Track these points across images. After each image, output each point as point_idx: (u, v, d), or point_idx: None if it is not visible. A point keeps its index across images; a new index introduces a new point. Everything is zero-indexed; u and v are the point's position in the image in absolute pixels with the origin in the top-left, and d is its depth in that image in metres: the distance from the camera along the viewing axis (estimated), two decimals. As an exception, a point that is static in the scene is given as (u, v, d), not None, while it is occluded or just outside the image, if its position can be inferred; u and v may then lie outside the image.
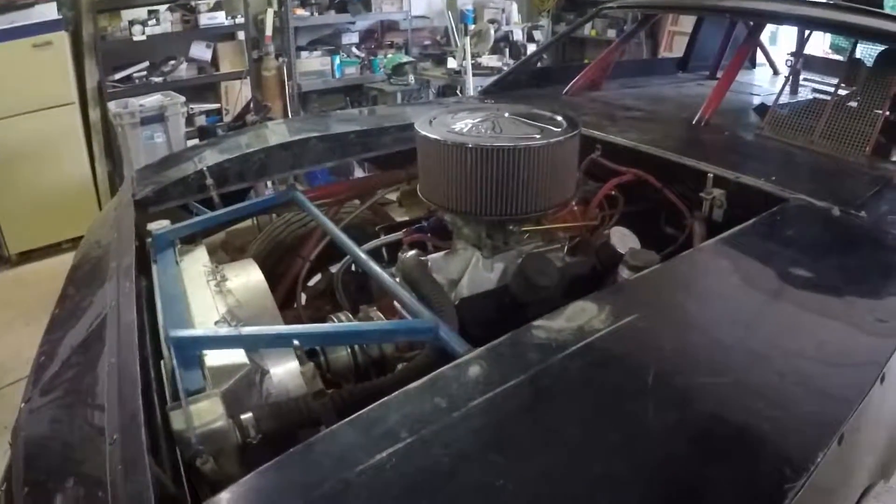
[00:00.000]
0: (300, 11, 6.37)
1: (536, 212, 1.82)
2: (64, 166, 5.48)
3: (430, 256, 2.05)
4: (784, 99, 2.79)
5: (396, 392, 1.06)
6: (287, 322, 1.71)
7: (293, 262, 2.61)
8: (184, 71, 6.12)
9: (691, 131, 2.53)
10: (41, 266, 5.31)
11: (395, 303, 1.72)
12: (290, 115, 6.67)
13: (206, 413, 1.12)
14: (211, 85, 6.43)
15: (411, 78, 6.41)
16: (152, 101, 5.15)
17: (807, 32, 3.25)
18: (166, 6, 5.83)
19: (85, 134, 5.63)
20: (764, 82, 3.75)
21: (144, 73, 5.97)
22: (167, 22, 5.81)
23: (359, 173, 4.50)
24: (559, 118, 1.92)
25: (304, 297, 2.55)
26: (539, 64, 4.92)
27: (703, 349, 1.23)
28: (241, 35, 6.29)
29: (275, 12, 6.37)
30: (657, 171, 2.16)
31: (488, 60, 6.32)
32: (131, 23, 5.70)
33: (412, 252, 1.90)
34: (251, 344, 1.35)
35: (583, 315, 1.27)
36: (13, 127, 5.22)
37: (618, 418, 1.01)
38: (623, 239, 1.85)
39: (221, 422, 1.12)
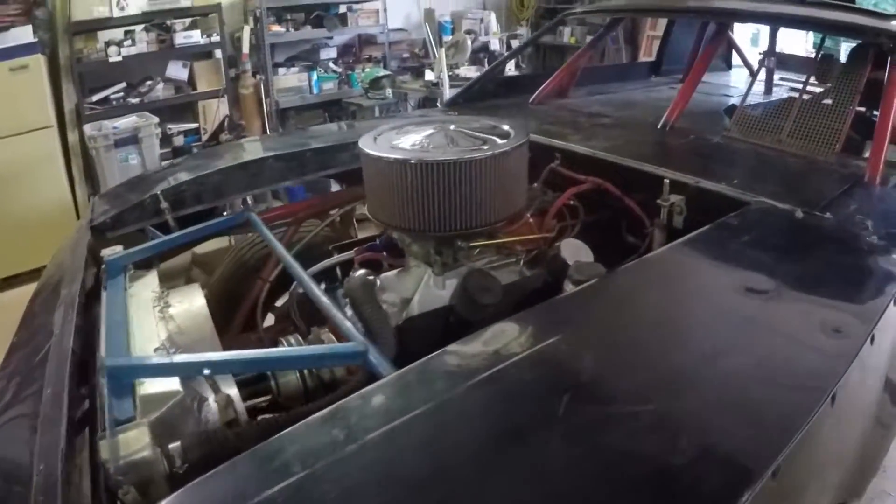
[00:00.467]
0: (276, 28, 6.34)
1: (484, 226, 1.76)
2: (44, 190, 5.42)
3: (382, 275, 2.00)
4: (757, 99, 2.73)
5: (299, 423, 1.01)
6: (248, 345, 1.66)
7: (254, 283, 2.54)
8: (160, 91, 6.07)
9: (656, 136, 2.47)
10: (24, 291, 5.22)
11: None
12: (268, 133, 6.62)
13: (132, 442, 1.11)
14: (188, 104, 6.38)
15: (389, 92, 6.38)
16: (126, 122, 5.10)
17: (780, 30, 3.19)
18: (142, 26, 5.80)
19: (64, 157, 5.58)
20: (740, 84, 3.69)
21: (122, 94, 5.92)
22: (143, 42, 5.78)
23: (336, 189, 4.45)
24: (507, 128, 1.86)
25: (271, 317, 2.49)
26: (517, 73, 4.88)
27: (628, 372, 1.14)
28: (217, 53, 6.25)
29: (251, 29, 6.32)
30: (616, 178, 2.10)
31: (466, 71, 6.27)
32: (107, 44, 5.67)
33: (360, 272, 1.84)
34: (183, 371, 1.31)
35: (502, 338, 1.20)
36: (-11, 152, 5.18)
37: (520, 452, 0.94)
38: (575, 251, 1.78)
39: (147, 451, 1.10)
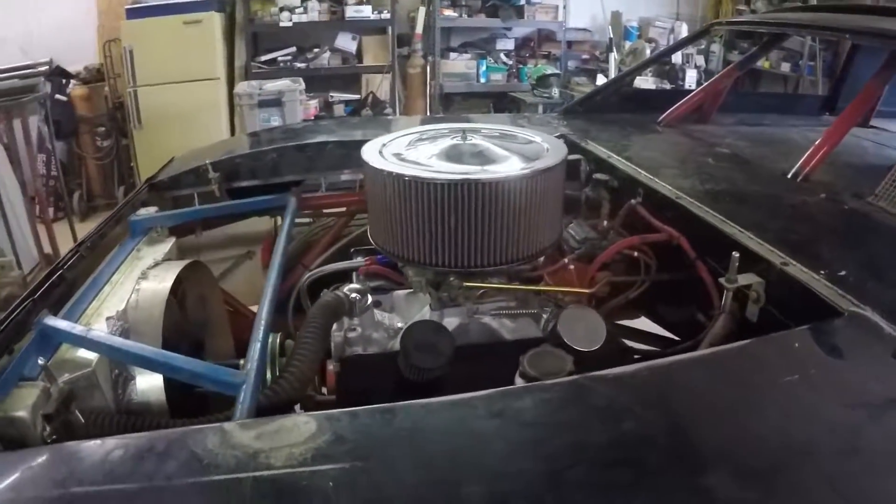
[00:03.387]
0: (448, 12, 6.20)
1: (487, 265, 1.41)
2: (204, 137, 5.57)
3: (394, 293, 1.74)
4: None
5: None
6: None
7: (296, 267, 2.35)
8: (327, 59, 6.15)
9: (776, 187, 1.91)
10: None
11: None
12: (429, 114, 6.52)
13: (16, 400, 1.15)
14: (354, 76, 6.42)
15: (555, 91, 6.00)
16: (273, 85, 5.20)
17: None
18: (317, -4, 5.90)
19: (229, 109, 5.80)
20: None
21: (289, 57, 6.08)
22: (315, 11, 5.88)
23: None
24: (544, 146, 1.48)
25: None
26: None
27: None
28: (388, 30, 6.22)
29: (426, 11, 6.22)
30: (697, 234, 1.62)
31: (642, 82, 5.74)
32: (281, 9, 5.82)
33: (346, 288, 1.55)
34: (94, 348, 1.31)
35: (285, 434, 0.88)
36: (161, 94, 5.54)
37: None
38: (582, 324, 1.34)
39: (24, 413, 1.12)
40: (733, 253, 1.37)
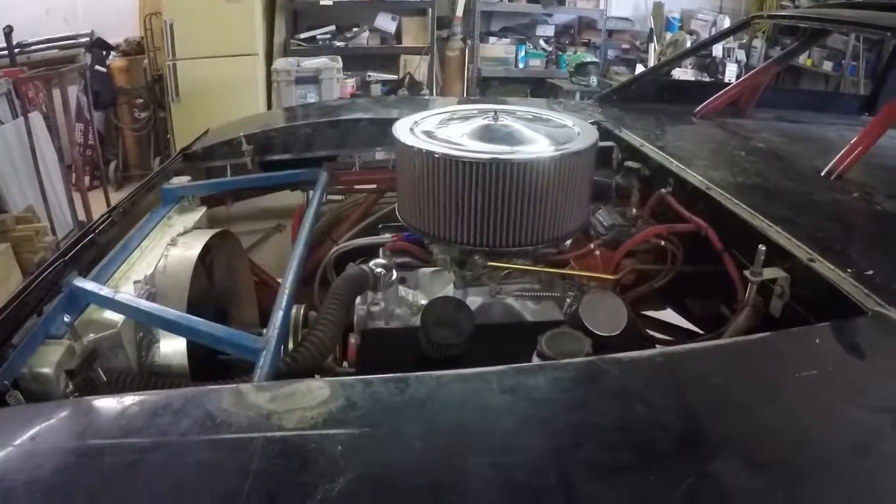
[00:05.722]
0: (489, -4, 6.14)
1: (512, 246, 1.43)
2: (241, 111, 5.67)
3: (419, 271, 1.76)
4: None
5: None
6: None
7: (325, 241, 2.38)
8: (366, 39, 6.15)
9: (810, 184, 1.88)
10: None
11: None
12: (465, 97, 6.50)
13: (42, 357, 1.19)
14: (392, 56, 6.41)
15: (593, 80, 5.94)
16: (310, 63, 5.21)
17: None
18: (359, -23, 5.89)
19: (266, 85, 5.84)
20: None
21: (328, 36, 6.08)
22: (355, -10, 5.86)
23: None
24: (576, 129, 1.47)
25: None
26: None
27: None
28: (428, 12, 6.17)
29: (466, -6, 6.20)
30: (725, 226, 1.61)
31: (681, 73, 5.65)
32: (323, -12, 5.81)
33: (372, 263, 1.57)
34: (120, 310, 1.35)
35: (298, 398, 0.89)
36: (199, 68, 5.56)
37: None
38: (604, 309, 1.33)
39: (48, 369, 1.16)
40: (760, 246, 1.35)
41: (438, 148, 1.43)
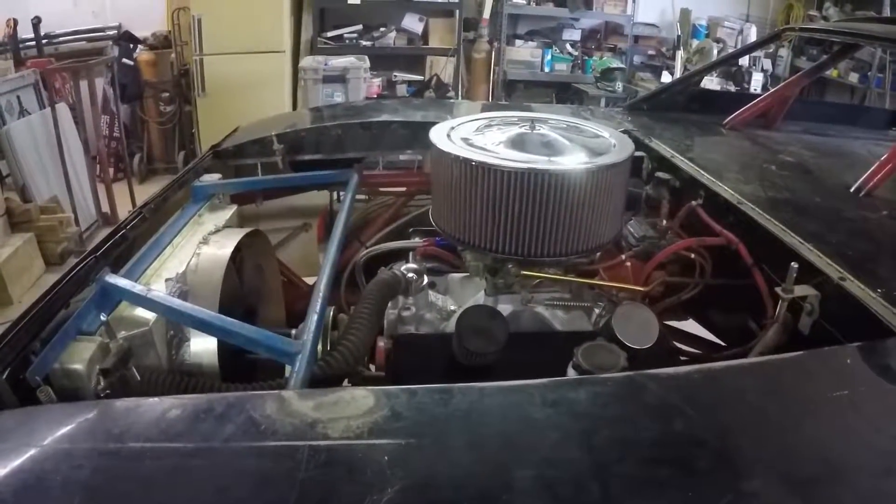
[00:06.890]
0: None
1: (546, 256, 1.44)
2: (266, 108, 5.71)
3: (449, 276, 1.78)
4: None
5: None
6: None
7: (352, 243, 2.40)
8: (392, 39, 6.17)
9: (838, 200, 1.88)
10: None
11: None
12: (491, 100, 6.51)
13: (74, 354, 1.18)
14: (418, 57, 6.44)
15: (619, 85, 5.93)
16: (338, 62, 5.23)
17: None
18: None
19: (292, 83, 5.88)
20: None
21: (355, 35, 6.11)
22: (382, -9, 5.89)
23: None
24: (612, 141, 1.48)
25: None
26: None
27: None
28: (455, 13, 6.19)
29: (494, -3, 6.21)
30: (756, 241, 1.61)
31: (707, 82, 5.63)
32: (354, -13, 5.84)
33: (403, 267, 1.59)
34: (152, 307, 1.34)
35: (342, 406, 0.91)
36: (226, 64, 5.63)
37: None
38: (636, 322, 1.34)
39: (80, 365, 1.15)
40: (792, 263, 1.36)
41: (475, 155, 1.44)
